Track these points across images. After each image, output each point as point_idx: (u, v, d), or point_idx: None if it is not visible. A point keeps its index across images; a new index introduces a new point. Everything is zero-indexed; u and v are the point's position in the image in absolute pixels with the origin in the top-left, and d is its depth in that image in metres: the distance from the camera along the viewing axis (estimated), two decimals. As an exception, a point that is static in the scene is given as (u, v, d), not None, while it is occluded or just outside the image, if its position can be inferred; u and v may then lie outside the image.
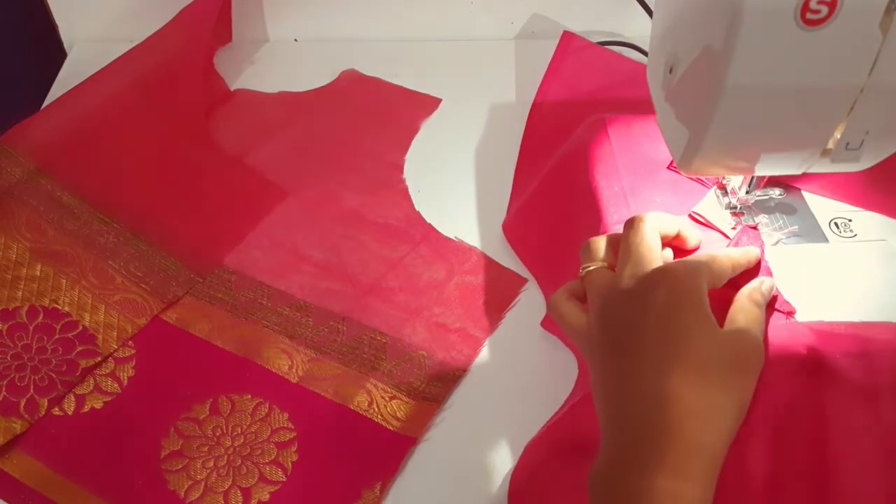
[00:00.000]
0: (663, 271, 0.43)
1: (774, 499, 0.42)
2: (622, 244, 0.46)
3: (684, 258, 0.46)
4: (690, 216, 0.51)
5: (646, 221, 0.46)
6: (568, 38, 0.81)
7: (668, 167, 0.55)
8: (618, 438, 0.42)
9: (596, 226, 0.54)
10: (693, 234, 0.48)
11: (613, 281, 0.45)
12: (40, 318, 0.61)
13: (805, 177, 0.51)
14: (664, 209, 0.51)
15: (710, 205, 0.52)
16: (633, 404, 0.41)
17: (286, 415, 0.57)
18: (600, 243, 0.48)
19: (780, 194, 0.51)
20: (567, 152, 0.63)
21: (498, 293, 0.64)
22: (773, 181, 0.51)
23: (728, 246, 0.49)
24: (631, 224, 0.46)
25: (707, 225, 0.51)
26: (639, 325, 0.42)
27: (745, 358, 0.42)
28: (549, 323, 0.61)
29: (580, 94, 0.75)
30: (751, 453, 0.42)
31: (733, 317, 0.43)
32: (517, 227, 0.68)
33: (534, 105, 0.77)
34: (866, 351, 0.43)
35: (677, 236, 0.48)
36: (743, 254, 0.46)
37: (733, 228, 0.50)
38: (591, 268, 0.47)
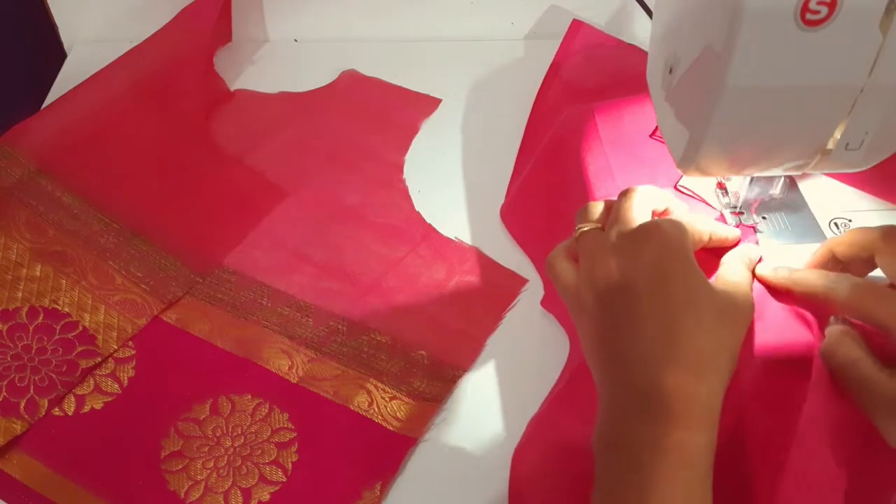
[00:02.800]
0: (650, 227, 0.44)
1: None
2: (613, 209, 0.47)
3: (667, 216, 0.47)
4: (676, 188, 0.52)
5: (637, 191, 0.47)
6: (576, 25, 0.80)
7: (650, 136, 0.55)
8: (619, 394, 0.42)
9: (584, 203, 0.54)
10: (680, 210, 0.49)
11: (603, 241, 0.46)
12: (40, 318, 0.61)
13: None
14: (650, 183, 0.52)
15: (695, 177, 0.52)
16: (631, 361, 0.42)
17: (286, 415, 0.57)
18: (596, 206, 0.49)
19: (781, 194, 0.51)
20: (556, 135, 0.63)
21: (498, 293, 0.64)
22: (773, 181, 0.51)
23: None
24: (624, 193, 0.47)
25: (694, 196, 0.52)
26: (630, 282, 0.43)
27: (737, 309, 0.43)
28: (549, 302, 0.62)
29: (587, 82, 0.75)
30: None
31: (724, 274, 0.45)
32: (512, 212, 0.68)
33: (539, 93, 0.76)
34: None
35: (665, 211, 0.49)
36: (722, 227, 0.48)
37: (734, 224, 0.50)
38: (585, 228, 0.48)
